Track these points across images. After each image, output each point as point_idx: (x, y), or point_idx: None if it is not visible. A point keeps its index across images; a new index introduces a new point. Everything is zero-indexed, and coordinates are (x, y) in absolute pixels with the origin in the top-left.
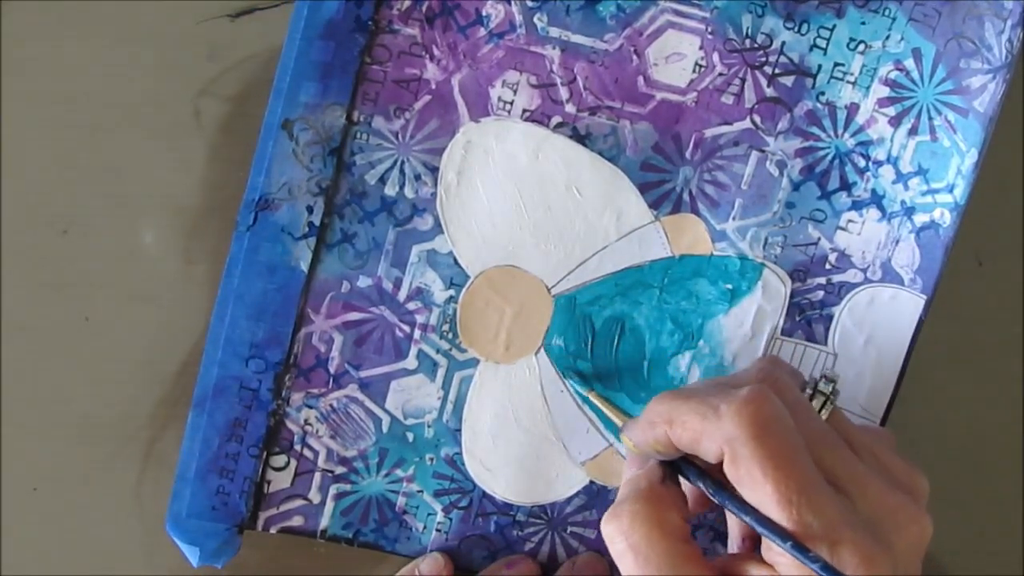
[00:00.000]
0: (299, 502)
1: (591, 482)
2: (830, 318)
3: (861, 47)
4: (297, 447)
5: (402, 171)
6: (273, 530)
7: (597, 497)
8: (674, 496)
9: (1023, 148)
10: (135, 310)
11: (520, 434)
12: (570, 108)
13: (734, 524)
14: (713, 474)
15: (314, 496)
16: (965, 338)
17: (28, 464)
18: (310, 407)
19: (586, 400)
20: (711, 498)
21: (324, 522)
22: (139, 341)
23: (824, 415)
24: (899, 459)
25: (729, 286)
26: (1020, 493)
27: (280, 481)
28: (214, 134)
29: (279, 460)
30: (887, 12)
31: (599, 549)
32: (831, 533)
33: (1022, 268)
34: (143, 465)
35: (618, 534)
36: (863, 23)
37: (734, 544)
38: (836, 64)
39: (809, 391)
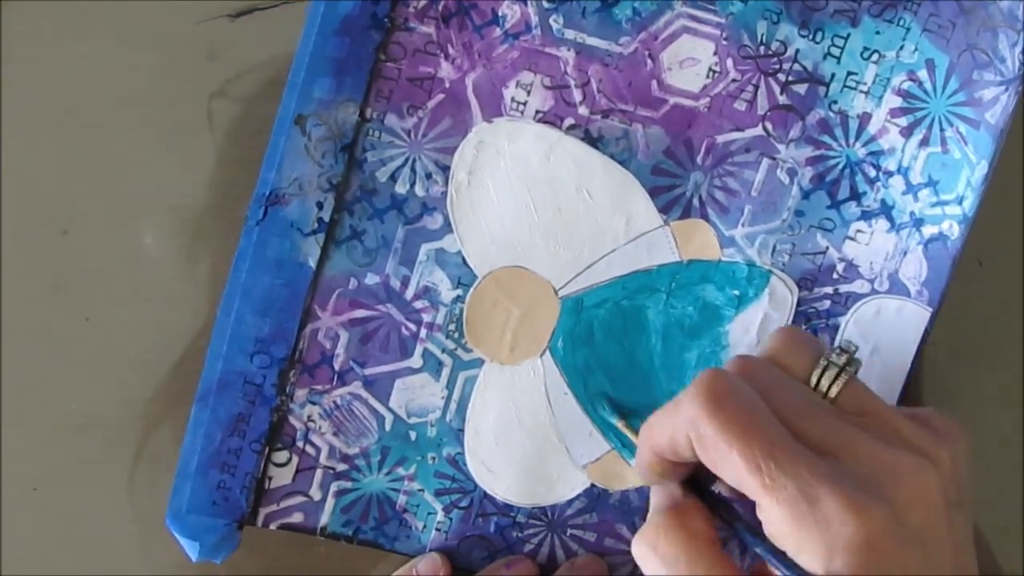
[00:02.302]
0: (300, 499)
1: (592, 485)
2: (836, 328)
3: (875, 56)
4: (299, 443)
5: (413, 169)
6: (273, 526)
7: (598, 500)
8: (697, 506)
9: (1023, 148)
10: (135, 310)
11: (523, 435)
12: (583, 110)
13: None
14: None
15: (315, 493)
16: (965, 338)
17: (28, 464)
18: (313, 404)
19: (591, 401)
20: (720, 516)
21: (324, 519)
22: (139, 341)
23: (836, 387)
24: (919, 428)
25: (736, 292)
26: (1020, 493)
27: (281, 477)
28: (214, 134)
29: (281, 456)
30: (902, 22)
31: (598, 552)
32: (809, 490)
33: (1022, 268)
34: (143, 465)
35: (647, 550)
36: (878, 32)
37: None
38: (849, 73)
39: (822, 362)
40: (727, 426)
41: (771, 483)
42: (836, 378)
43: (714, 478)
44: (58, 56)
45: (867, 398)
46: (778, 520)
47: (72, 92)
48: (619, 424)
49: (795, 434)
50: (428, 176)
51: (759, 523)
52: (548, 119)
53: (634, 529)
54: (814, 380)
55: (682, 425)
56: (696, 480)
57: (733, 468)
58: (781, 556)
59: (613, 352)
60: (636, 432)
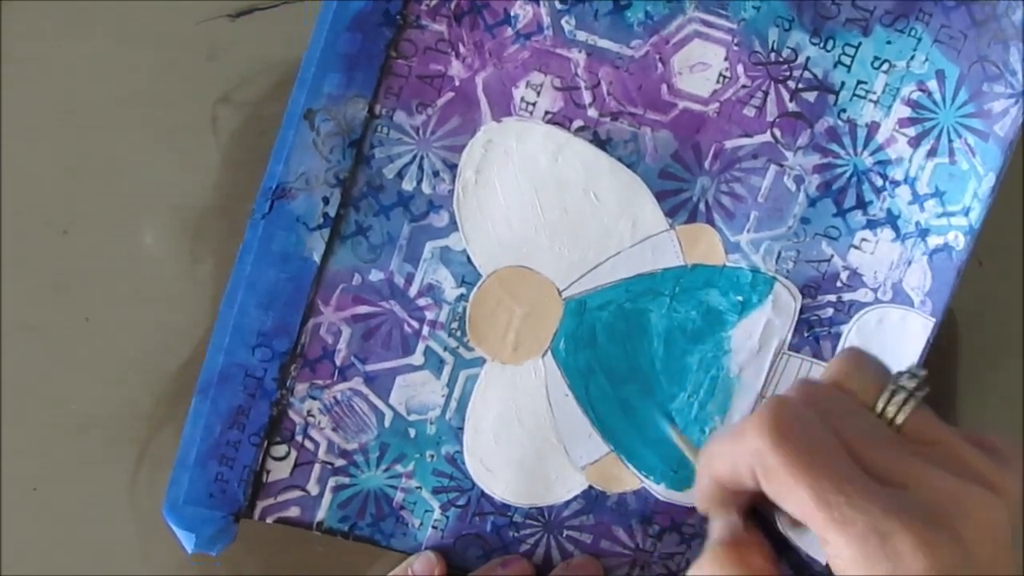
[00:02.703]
0: (297, 493)
1: (590, 487)
2: (838, 336)
3: (885, 66)
4: (298, 438)
5: (420, 167)
6: (270, 520)
7: (595, 502)
8: (758, 541)
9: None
10: (135, 310)
11: (522, 435)
12: (592, 112)
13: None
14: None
15: (312, 488)
16: (965, 338)
17: (28, 464)
18: (314, 398)
19: (590, 400)
20: (780, 551)
21: (321, 514)
22: (140, 341)
23: (903, 415)
24: (984, 457)
25: (740, 298)
26: (1020, 493)
27: (279, 471)
28: (214, 134)
29: (280, 450)
30: (913, 32)
31: (594, 553)
32: (880, 525)
33: (1022, 268)
34: (143, 465)
35: None
36: (889, 42)
37: None
38: (859, 82)
39: (891, 387)
40: (794, 458)
41: (840, 518)
42: (904, 404)
43: (776, 508)
44: (58, 56)
45: (933, 426)
46: (847, 556)
47: (72, 92)
48: (677, 438)
49: (861, 464)
50: (435, 174)
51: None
52: (557, 120)
53: (631, 532)
54: (880, 406)
55: (746, 456)
56: (757, 511)
57: (799, 502)
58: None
59: (615, 354)
60: (693, 448)
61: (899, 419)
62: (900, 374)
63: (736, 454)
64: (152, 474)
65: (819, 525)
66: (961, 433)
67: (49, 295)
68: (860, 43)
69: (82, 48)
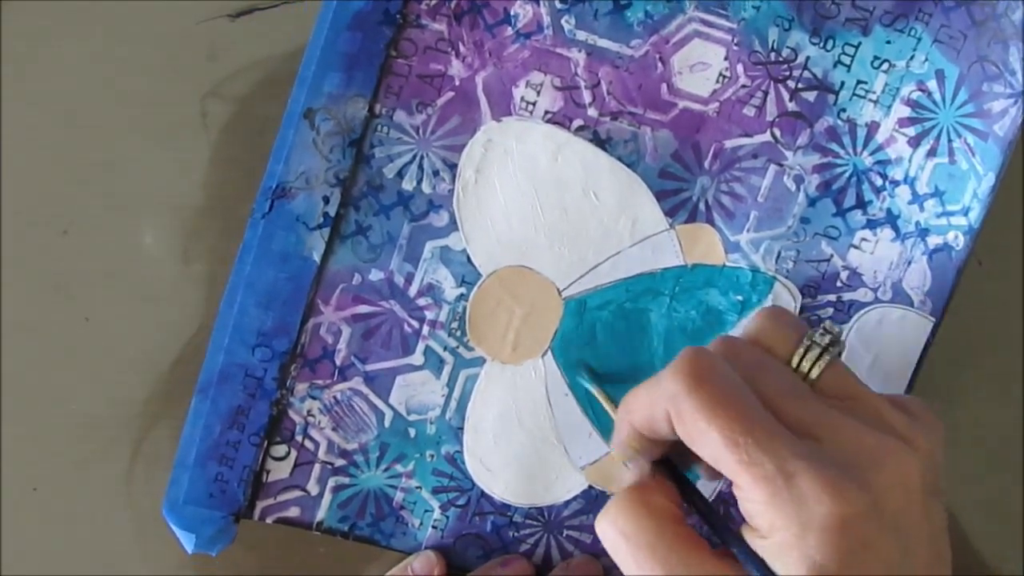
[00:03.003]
0: (297, 493)
1: (590, 487)
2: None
3: (885, 66)
4: (298, 438)
5: (420, 166)
6: (270, 520)
7: (595, 502)
8: (660, 483)
9: (1023, 148)
10: (135, 310)
11: (522, 435)
12: (592, 112)
13: None
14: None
15: (312, 488)
16: (965, 338)
17: (28, 464)
18: (314, 398)
19: (590, 399)
20: (688, 500)
21: (321, 514)
22: (139, 341)
23: (818, 368)
24: (899, 413)
25: (740, 297)
26: (1020, 493)
27: (279, 471)
28: (215, 134)
29: (279, 450)
30: (913, 32)
31: (595, 553)
32: (786, 466)
33: (1022, 268)
34: (143, 465)
35: (608, 525)
36: (888, 42)
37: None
38: (859, 82)
39: (805, 342)
40: (707, 402)
41: (748, 459)
42: (818, 359)
43: (687, 462)
44: (58, 56)
45: (849, 382)
46: (754, 497)
47: (72, 92)
48: (596, 392)
49: (776, 415)
50: (435, 173)
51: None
52: (557, 120)
53: None
54: (795, 360)
55: (661, 400)
56: (668, 462)
57: (711, 445)
58: (743, 545)
59: (615, 354)
60: (612, 402)
61: (813, 373)
62: (815, 330)
63: (653, 401)
64: (152, 474)
65: (728, 467)
66: (876, 393)
67: (49, 295)
68: (860, 43)
69: (82, 48)
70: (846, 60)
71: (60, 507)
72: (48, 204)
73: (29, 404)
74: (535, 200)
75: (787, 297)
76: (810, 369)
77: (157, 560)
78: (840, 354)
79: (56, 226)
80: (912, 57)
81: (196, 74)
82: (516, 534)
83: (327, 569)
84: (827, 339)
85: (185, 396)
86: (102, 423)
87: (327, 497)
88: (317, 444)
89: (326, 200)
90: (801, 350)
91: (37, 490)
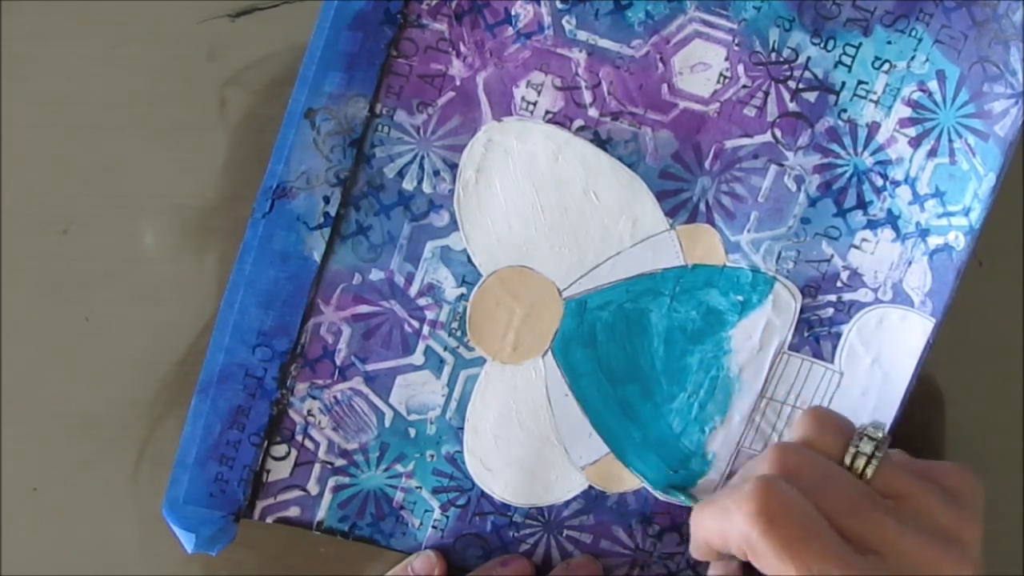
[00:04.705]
0: (297, 493)
1: (590, 487)
2: (838, 336)
3: (886, 66)
4: (298, 437)
5: (421, 166)
6: (269, 520)
7: (595, 502)
8: None
9: (1022, 149)
10: (135, 310)
11: (522, 435)
12: (593, 112)
13: None
14: None
15: (312, 487)
16: (965, 338)
17: (28, 464)
18: (314, 398)
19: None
20: None
21: (321, 514)
22: (139, 341)
23: (871, 470)
24: (949, 508)
25: (740, 298)
26: (1020, 493)
27: (279, 471)
28: (215, 134)
29: (280, 450)
30: (913, 33)
31: (594, 553)
32: None
33: (1022, 268)
34: (143, 465)
35: None
36: (889, 42)
37: None
38: (860, 82)
39: (852, 450)
40: (781, 543)
41: None
42: (868, 462)
43: None
44: (58, 56)
45: (896, 476)
46: None
47: (72, 92)
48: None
49: (840, 531)
50: (436, 173)
51: None
52: (557, 120)
53: (630, 532)
54: (848, 461)
55: (735, 535)
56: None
57: None
58: None
59: (615, 354)
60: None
61: (868, 474)
62: (862, 429)
63: (725, 532)
64: (152, 474)
65: None
66: (923, 477)
67: (49, 295)
68: (861, 43)
69: (82, 48)
70: (847, 60)
71: (60, 507)
72: (48, 204)
73: (29, 404)
74: (535, 200)
75: (787, 297)
76: (863, 471)
77: (157, 560)
78: (886, 448)
79: (56, 226)
80: (913, 57)
81: (196, 74)
82: (516, 534)
83: (327, 569)
84: (872, 446)
85: (185, 396)
86: (102, 423)
87: (327, 497)
88: (317, 444)
89: (326, 200)
90: (849, 457)
91: (37, 490)
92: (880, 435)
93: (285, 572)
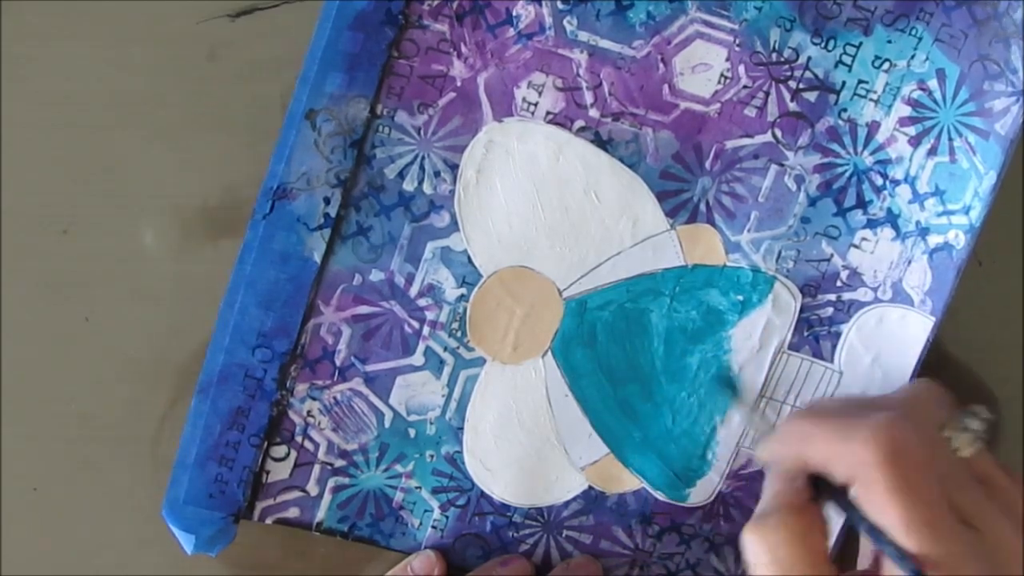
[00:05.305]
0: (296, 493)
1: (590, 487)
2: (838, 335)
3: (886, 65)
4: (298, 438)
5: (422, 167)
6: (269, 520)
7: (595, 503)
8: (820, 518)
9: (1023, 147)
10: (135, 310)
11: (522, 435)
12: (594, 113)
13: (865, 542)
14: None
15: (312, 488)
16: (965, 338)
17: (28, 464)
18: (314, 399)
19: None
20: (845, 514)
21: (320, 514)
22: (139, 341)
23: (970, 451)
24: None
25: (740, 297)
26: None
27: (279, 472)
28: (214, 134)
29: (279, 451)
30: (914, 32)
31: (594, 553)
32: (953, 564)
33: (1022, 268)
34: (143, 465)
35: (764, 547)
36: (889, 41)
37: (865, 561)
38: (860, 81)
39: (959, 425)
40: (898, 485)
41: (920, 546)
42: (973, 442)
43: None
44: (58, 56)
45: (992, 466)
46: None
47: (72, 92)
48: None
49: (946, 495)
50: (436, 174)
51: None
52: (559, 120)
53: (630, 532)
54: (947, 435)
55: (851, 459)
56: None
57: (889, 520)
58: (895, 546)
59: (615, 354)
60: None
61: (965, 453)
62: (969, 412)
63: (839, 454)
64: (152, 474)
65: (900, 542)
66: (1007, 471)
67: (49, 295)
68: (861, 43)
69: (82, 48)
70: (847, 60)
71: (60, 507)
72: (48, 204)
73: (29, 404)
74: (536, 200)
75: (787, 296)
76: (963, 448)
77: (157, 560)
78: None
79: (56, 226)
80: (913, 56)
81: (196, 74)
82: (515, 534)
83: (327, 569)
84: (983, 426)
85: (185, 396)
86: (101, 423)
87: (327, 498)
88: (317, 445)
89: (327, 201)
90: (953, 432)
91: (37, 490)
92: (989, 416)
93: (285, 572)
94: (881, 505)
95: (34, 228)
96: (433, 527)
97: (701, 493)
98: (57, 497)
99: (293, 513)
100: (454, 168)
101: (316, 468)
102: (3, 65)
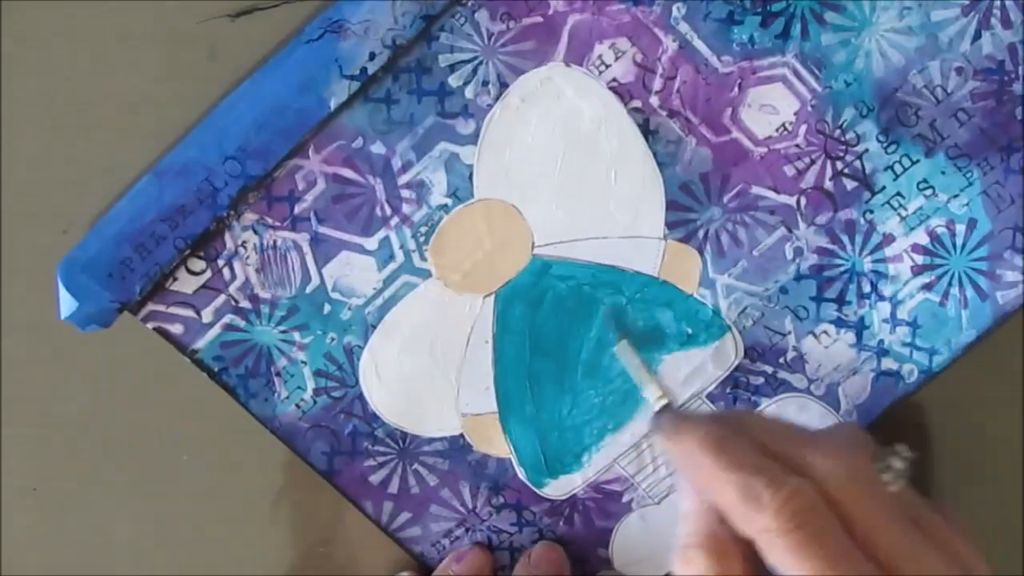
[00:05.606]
0: (189, 312)
1: (460, 435)
2: (756, 406)
3: (929, 191)
4: (220, 262)
5: (475, 70)
6: (150, 325)
7: (458, 452)
8: (738, 550)
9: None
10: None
11: (426, 359)
12: (654, 100)
13: None
14: None
15: (207, 315)
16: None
17: (28, 464)
18: (256, 232)
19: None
20: None
21: (200, 343)
22: (139, 341)
23: (896, 487)
24: (961, 540)
25: (690, 331)
26: (1020, 493)
27: (185, 285)
28: None
29: (197, 264)
30: (969, 175)
31: (429, 498)
32: None
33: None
34: (143, 464)
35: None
36: (943, 172)
37: None
38: (898, 193)
39: (881, 464)
40: (799, 548)
41: None
42: (896, 480)
43: None
44: (58, 56)
45: (915, 500)
46: None
47: (72, 92)
48: (633, 362)
49: (867, 546)
50: (484, 83)
51: None
52: (619, 91)
53: (475, 493)
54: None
55: (750, 525)
56: None
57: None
58: None
59: (550, 326)
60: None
61: (893, 489)
62: (892, 452)
63: (745, 516)
64: (152, 473)
65: None
66: (933, 512)
67: (49, 295)
68: (919, 160)
69: (82, 48)
70: (898, 169)
71: (60, 507)
72: (48, 204)
73: (29, 404)
74: (560, 154)
75: (731, 350)
76: (890, 485)
77: (157, 560)
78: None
79: (56, 226)
80: (956, 196)
81: (196, 74)
82: (370, 447)
83: (327, 569)
84: (904, 464)
85: (186, 396)
86: (102, 423)
87: (215, 331)
88: (234, 277)
89: (372, 56)
90: (882, 469)
91: (37, 490)
92: (910, 455)
93: (285, 572)
94: (788, 569)
95: (34, 228)
96: (297, 406)
97: (558, 488)
98: (57, 497)
99: (176, 329)
100: (503, 86)
101: (221, 298)
102: (3, 65)
